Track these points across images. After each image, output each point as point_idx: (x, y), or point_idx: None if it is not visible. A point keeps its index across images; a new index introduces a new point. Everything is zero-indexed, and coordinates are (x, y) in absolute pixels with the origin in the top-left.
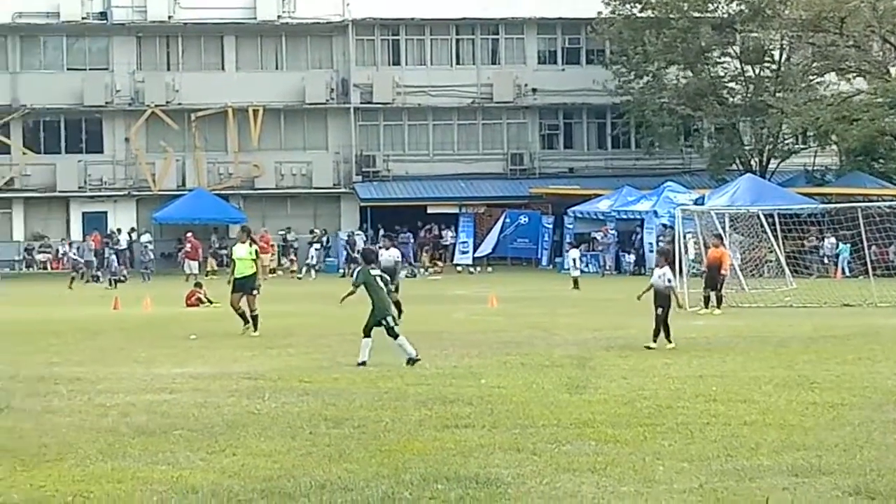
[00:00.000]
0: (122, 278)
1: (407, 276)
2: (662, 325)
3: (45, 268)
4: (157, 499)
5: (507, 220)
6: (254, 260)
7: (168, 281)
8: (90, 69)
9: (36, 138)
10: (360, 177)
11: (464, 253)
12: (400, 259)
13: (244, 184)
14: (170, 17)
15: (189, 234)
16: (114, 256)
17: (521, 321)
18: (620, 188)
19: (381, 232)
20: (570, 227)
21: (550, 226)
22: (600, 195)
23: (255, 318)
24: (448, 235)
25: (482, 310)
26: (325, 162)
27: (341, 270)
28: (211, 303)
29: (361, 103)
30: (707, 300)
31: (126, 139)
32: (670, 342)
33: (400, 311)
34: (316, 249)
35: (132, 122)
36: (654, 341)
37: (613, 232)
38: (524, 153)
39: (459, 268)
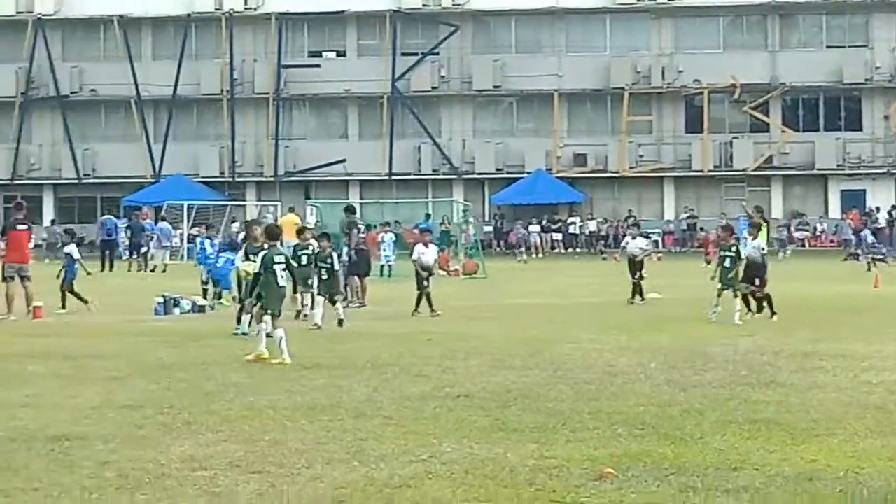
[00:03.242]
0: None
1: None
2: None
3: (803, 245)
4: None
5: None
6: None
7: None
8: (849, 46)
9: (794, 116)
10: None
11: None
12: None
13: None
14: None
15: None
16: (869, 235)
17: None
18: None
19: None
20: None
21: None
22: None
23: None
24: None
25: None
26: None
27: None
28: None
29: None
30: None
31: (885, 116)
32: None
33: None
34: None
35: (892, 99)
36: None
37: None
38: None
39: None
